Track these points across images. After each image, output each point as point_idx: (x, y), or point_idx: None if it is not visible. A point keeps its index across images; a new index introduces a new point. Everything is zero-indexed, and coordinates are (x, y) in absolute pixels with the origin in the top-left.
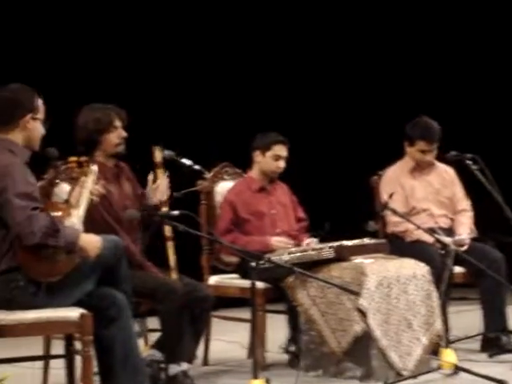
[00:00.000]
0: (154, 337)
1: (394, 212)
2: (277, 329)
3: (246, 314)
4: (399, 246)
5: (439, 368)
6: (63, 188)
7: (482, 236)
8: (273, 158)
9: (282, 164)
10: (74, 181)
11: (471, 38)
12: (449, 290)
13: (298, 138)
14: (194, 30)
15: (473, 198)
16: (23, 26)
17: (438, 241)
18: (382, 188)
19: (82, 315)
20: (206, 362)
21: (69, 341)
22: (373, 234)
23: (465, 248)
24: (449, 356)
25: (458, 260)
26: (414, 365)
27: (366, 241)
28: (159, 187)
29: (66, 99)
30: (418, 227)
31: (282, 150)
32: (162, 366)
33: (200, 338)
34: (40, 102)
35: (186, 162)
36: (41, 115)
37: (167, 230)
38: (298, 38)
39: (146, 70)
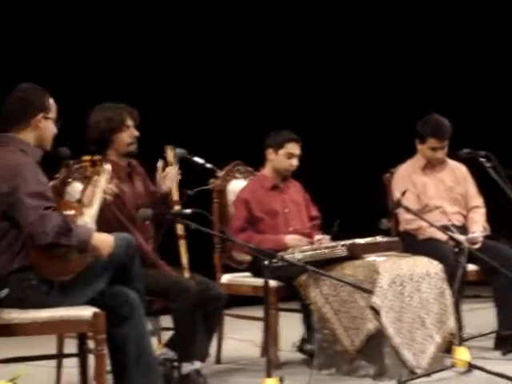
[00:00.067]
0: (166, 335)
1: (407, 210)
2: (289, 327)
3: (258, 312)
4: (412, 244)
5: (453, 366)
6: (75, 187)
7: (495, 234)
8: (286, 156)
9: (295, 162)
10: (86, 180)
11: (483, 35)
12: (462, 288)
13: (310, 136)
14: (206, 29)
15: (485, 196)
16: (35, 26)
17: (452, 238)
18: (394, 186)
19: (95, 314)
20: (218, 361)
21: (82, 339)
22: (385, 232)
23: (478, 246)
24: (462, 354)
25: (471, 258)
26: (427, 363)
27: (379, 239)
28: (168, 175)
29: (78, 98)
30: (431, 225)
31: (294, 148)
32: (175, 364)
33: (213, 337)
34: (51, 102)
35: (198, 160)
36: (52, 114)
37: (179, 229)
38: (310, 36)
39: (157, 68)
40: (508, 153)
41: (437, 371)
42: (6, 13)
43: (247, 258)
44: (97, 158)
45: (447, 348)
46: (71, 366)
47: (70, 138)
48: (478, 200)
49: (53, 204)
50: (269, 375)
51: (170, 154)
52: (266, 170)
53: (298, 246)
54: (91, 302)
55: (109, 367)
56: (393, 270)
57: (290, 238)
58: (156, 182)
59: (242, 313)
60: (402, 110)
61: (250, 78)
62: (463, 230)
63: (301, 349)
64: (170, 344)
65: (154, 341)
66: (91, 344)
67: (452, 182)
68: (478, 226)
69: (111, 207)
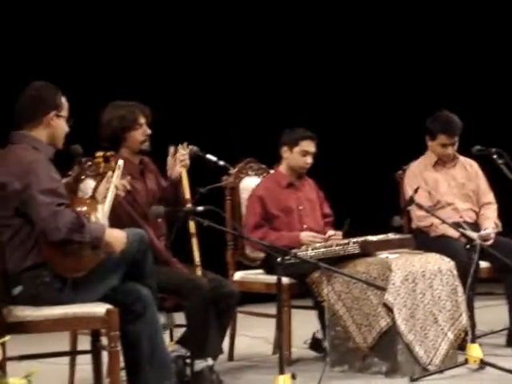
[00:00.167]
0: (178, 332)
1: (420, 206)
2: (302, 324)
3: (271, 309)
4: (424, 241)
5: (465, 363)
6: (88, 184)
7: (507, 230)
8: (300, 153)
9: (309, 160)
10: (99, 177)
11: (494, 31)
12: (474, 285)
13: (323, 134)
14: (219, 27)
15: (497, 192)
16: (47, 24)
17: (464, 235)
18: (406, 183)
19: (109, 311)
20: (231, 358)
21: (95, 336)
22: (398, 229)
23: (490, 242)
24: (475, 351)
25: (484, 255)
26: (440, 360)
27: (391, 236)
28: (178, 160)
29: (90, 97)
30: (444, 222)
31: (309, 146)
32: (188, 361)
33: (225, 334)
34: (64, 100)
35: (211, 157)
36: (64, 113)
37: (192, 226)
38: (324, 34)
39: (170, 66)
40: None
41: (449, 368)
42: (18, 12)
43: (260, 255)
44: (110, 153)
45: (459, 345)
46: (85, 363)
47: (83, 136)
48: (489, 196)
49: (65, 201)
50: (281, 372)
51: (183, 151)
52: (282, 168)
53: (312, 243)
54: (104, 299)
55: (122, 364)
56: (405, 267)
57: (305, 235)
58: (168, 167)
59: (255, 310)
60: (413, 107)
61: (264, 74)
62: (475, 226)
63: (312, 346)
64: (182, 341)
65: (166, 337)
66: (104, 341)
67: (463, 178)
68: (490, 223)
69: (124, 204)
